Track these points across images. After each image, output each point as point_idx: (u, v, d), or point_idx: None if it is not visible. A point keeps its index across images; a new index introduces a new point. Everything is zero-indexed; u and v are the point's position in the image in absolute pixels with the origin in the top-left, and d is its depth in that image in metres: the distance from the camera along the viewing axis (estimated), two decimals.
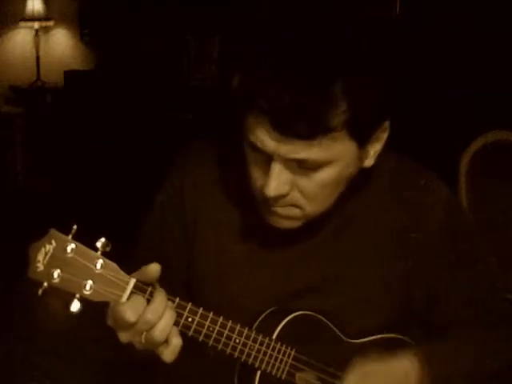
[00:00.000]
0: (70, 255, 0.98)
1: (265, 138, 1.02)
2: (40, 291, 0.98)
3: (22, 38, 5.70)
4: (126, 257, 1.15)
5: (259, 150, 1.04)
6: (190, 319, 1.05)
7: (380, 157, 1.13)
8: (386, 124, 1.09)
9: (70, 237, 0.99)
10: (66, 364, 3.00)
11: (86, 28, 5.85)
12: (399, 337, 1.21)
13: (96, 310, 1.05)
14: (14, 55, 5.67)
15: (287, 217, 1.10)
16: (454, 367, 1.17)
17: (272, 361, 1.12)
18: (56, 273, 0.97)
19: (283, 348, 1.13)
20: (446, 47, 3.77)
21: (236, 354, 1.10)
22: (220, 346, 1.08)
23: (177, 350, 1.02)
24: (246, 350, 1.10)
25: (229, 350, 1.09)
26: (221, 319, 1.07)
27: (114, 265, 1.00)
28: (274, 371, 1.13)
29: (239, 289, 1.20)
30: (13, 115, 5.35)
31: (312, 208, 1.09)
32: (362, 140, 1.05)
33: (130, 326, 0.99)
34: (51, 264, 0.98)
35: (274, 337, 1.13)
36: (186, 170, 1.24)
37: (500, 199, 2.34)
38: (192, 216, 1.23)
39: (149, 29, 5.21)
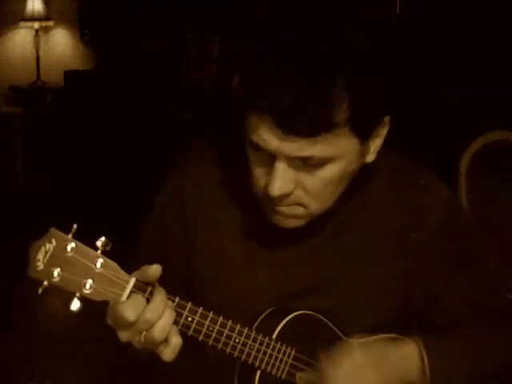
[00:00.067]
0: (70, 254, 0.98)
1: (268, 137, 1.02)
2: (40, 290, 0.98)
3: (21, 38, 5.70)
4: (126, 257, 1.15)
5: (262, 149, 1.04)
6: (189, 319, 1.05)
7: (380, 157, 1.13)
8: (386, 119, 1.10)
9: (70, 236, 0.99)
10: (66, 364, 3.00)
11: (86, 28, 5.85)
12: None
13: (96, 309, 1.05)
14: (14, 55, 5.68)
15: (291, 216, 1.10)
16: (454, 367, 1.17)
17: (272, 360, 1.12)
18: (56, 272, 0.97)
19: (283, 348, 1.13)
20: (446, 47, 3.77)
21: (236, 354, 1.10)
22: (220, 346, 1.08)
23: (177, 349, 1.02)
24: (246, 350, 1.10)
25: (229, 350, 1.09)
26: (221, 319, 1.07)
27: (114, 264, 1.00)
28: (274, 371, 1.13)
29: (239, 289, 1.20)
30: (13, 115, 5.35)
31: (316, 206, 1.09)
32: (364, 136, 1.06)
33: (130, 325, 1.00)
34: (51, 263, 0.98)
35: (274, 336, 1.13)
36: (186, 170, 1.24)
37: (500, 199, 2.34)
38: (192, 216, 1.23)
39: (149, 29, 5.21)
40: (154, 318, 0.99)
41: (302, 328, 1.15)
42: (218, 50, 5.13)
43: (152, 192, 1.29)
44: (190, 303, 1.05)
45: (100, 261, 0.99)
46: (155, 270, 1.01)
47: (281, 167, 1.04)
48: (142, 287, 1.01)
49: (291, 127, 0.99)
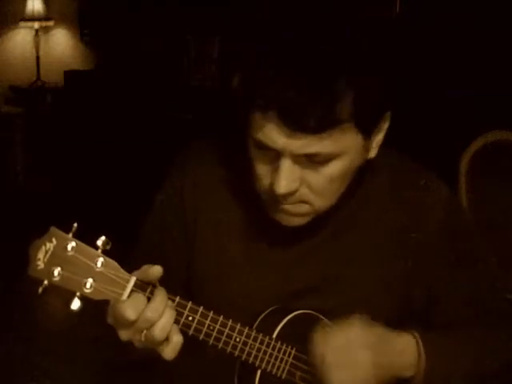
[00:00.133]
0: (70, 253, 0.98)
1: (274, 135, 1.02)
2: (40, 289, 0.98)
3: (21, 38, 5.70)
4: (126, 256, 1.15)
5: (267, 147, 1.04)
6: (190, 318, 1.05)
7: (380, 156, 1.14)
8: (387, 114, 1.10)
9: (70, 235, 0.98)
10: (66, 364, 3.00)
11: (86, 28, 5.85)
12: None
13: (96, 309, 1.05)
14: (14, 55, 5.68)
15: (296, 214, 1.10)
16: (454, 366, 1.16)
17: (272, 360, 1.12)
18: (56, 271, 0.97)
19: (284, 347, 1.13)
20: (446, 47, 3.78)
21: (236, 353, 1.10)
22: (220, 345, 1.08)
23: (177, 348, 1.02)
24: (247, 349, 1.10)
25: (229, 349, 1.09)
26: (221, 318, 1.07)
27: (114, 263, 1.00)
28: (275, 370, 1.13)
29: (239, 289, 1.20)
30: (13, 115, 5.35)
31: (321, 203, 1.09)
32: (367, 131, 1.06)
33: (130, 324, 1.00)
34: (52, 262, 0.98)
35: (275, 336, 1.13)
36: (186, 170, 1.24)
37: (500, 199, 2.34)
38: (192, 216, 1.23)
39: (149, 29, 5.21)
40: (155, 317, 0.99)
41: (302, 327, 1.15)
42: (218, 49, 5.13)
43: (152, 192, 1.29)
44: (190, 302, 1.05)
45: (100, 260, 0.98)
46: (156, 270, 1.01)
47: (286, 165, 1.04)
48: (142, 286, 1.01)
49: (298, 124, 0.99)
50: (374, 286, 1.19)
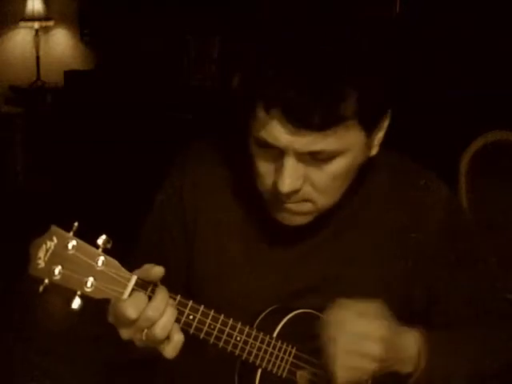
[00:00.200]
0: (71, 252, 0.98)
1: (278, 133, 1.01)
2: (41, 288, 0.97)
3: (22, 37, 5.70)
4: (126, 256, 1.15)
5: (271, 146, 1.04)
6: (191, 317, 1.05)
7: (380, 156, 1.14)
8: (388, 113, 1.10)
9: (71, 234, 0.98)
10: (66, 364, 3.00)
11: (86, 28, 5.85)
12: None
13: (96, 308, 1.05)
14: (14, 55, 5.68)
15: (299, 212, 1.10)
16: (454, 366, 1.16)
17: (273, 359, 1.12)
18: (57, 270, 0.97)
19: (284, 346, 1.13)
20: (446, 47, 3.78)
21: (237, 352, 1.10)
22: (221, 344, 1.08)
23: (179, 346, 1.02)
24: (247, 348, 1.10)
25: (230, 348, 1.09)
26: (222, 317, 1.07)
27: (115, 262, 0.99)
28: (275, 369, 1.13)
29: (239, 289, 1.20)
30: (13, 115, 5.35)
31: (324, 201, 1.09)
32: (370, 128, 1.06)
33: (131, 323, 1.00)
34: (52, 261, 0.98)
35: (275, 335, 1.13)
36: (186, 170, 1.24)
37: (500, 199, 2.34)
38: (192, 216, 1.23)
39: (149, 29, 5.21)
40: (156, 315, 0.99)
41: (302, 326, 1.15)
42: (218, 49, 5.13)
43: (152, 192, 1.29)
44: (191, 301, 1.05)
45: (101, 259, 0.98)
46: (159, 271, 1.00)
47: (290, 163, 1.04)
48: (143, 285, 1.01)
49: (302, 121, 0.99)
50: (374, 285, 1.19)
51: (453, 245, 1.22)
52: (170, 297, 1.02)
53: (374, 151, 1.12)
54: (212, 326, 1.06)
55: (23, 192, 5.21)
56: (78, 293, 0.98)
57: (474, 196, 2.35)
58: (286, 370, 1.14)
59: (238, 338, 1.09)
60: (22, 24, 5.59)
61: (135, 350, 1.05)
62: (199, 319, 1.05)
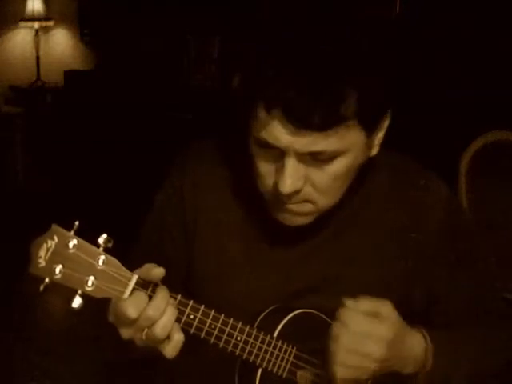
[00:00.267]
0: (71, 251, 0.98)
1: (279, 134, 1.01)
2: (42, 287, 0.97)
3: (21, 38, 5.70)
4: (126, 256, 1.15)
5: (271, 146, 1.04)
6: (191, 316, 1.05)
7: (380, 156, 1.14)
8: (388, 112, 1.10)
9: (72, 232, 0.98)
10: (66, 364, 3.00)
11: (86, 28, 5.85)
12: None
13: (96, 308, 1.05)
14: (14, 55, 5.68)
15: (299, 213, 1.10)
16: (455, 366, 1.16)
17: (273, 359, 1.12)
18: (58, 269, 0.97)
19: (284, 346, 1.13)
20: (446, 47, 3.77)
21: (237, 352, 1.10)
22: (221, 344, 1.08)
23: (179, 346, 1.02)
24: (248, 348, 1.10)
25: (230, 348, 1.09)
26: (222, 317, 1.07)
27: (115, 261, 0.99)
28: (275, 369, 1.13)
29: (239, 289, 1.20)
30: (13, 115, 5.35)
31: (324, 201, 1.09)
32: (370, 128, 1.06)
33: (132, 322, 1.00)
34: (53, 260, 0.98)
35: (275, 335, 1.13)
36: (186, 170, 1.24)
37: (500, 199, 2.35)
38: (192, 216, 1.23)
39: (149, 29, 5.21)
40: (156, 315, 0.99)
41: (303, 326, 1.15)
42: (218, 49, 5.13)
43: (152, 192, 1.29)
44: (191, 301, 1.05)
45: (102, 258, 0.98)
46: (159, 272, 1.00)
47: (291, 163, 1.04)
48: (144, 284, 1.01)
49: (303, 121, 0.99)
50: (374, 285, 1.19)
51: (453, 245, 1.22)
52: (171, 296, 1.02)
53: (375, 151, 1.12)
54: (213, 326, 1.06)
55: (23, 192, 5.21)
56: (79, 292, 0.98)
57: (474, 196, 2.35)
58: (286, 370, 1.14)
59: (239, 338, 1.09)
60: (22, 24, 5.59)
61: (135, 349, 1.05)
62: (200, 319, 1.05)
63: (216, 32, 5.05)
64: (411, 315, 1.22)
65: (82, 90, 5.36)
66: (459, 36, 3.69)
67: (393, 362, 1.08)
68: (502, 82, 3.57)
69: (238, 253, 1.21)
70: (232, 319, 1.08)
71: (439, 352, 1.13)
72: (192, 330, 1.05)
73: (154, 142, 4.63)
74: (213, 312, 1.06)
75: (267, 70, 1.00)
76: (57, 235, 0.98)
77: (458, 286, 1.22)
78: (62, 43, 5.89)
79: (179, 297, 1.04)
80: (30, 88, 5.59)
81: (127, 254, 1.22)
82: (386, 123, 1.11)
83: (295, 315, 1.15)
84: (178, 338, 1.02)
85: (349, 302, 1.05)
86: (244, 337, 1.09)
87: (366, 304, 1.05)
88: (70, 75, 5.53)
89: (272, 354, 1.12)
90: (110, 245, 0.99)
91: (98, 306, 1.03)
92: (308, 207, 1.09)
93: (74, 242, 0.98)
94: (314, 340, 1.15)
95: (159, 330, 1.00)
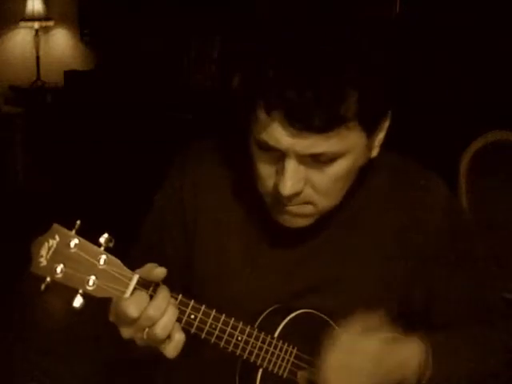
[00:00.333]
0: (73, 250, 0.98)
1: (279, 136, 1.01)
2: (43, 286, 0.97)
3: (21, 38, 5.70)
4: (126, 256, 1.15)
5: (272, 148, 1.03)
6: (192, 316, 1.05)
7: (380, 156, 1.14)
8: (389, 113, 1.10)
9: (73, 232, 0.99)
10: (66, 364, 3.00)
11: (86, 28, 5.85)
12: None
13: (96, 307, 1.05)
14: (14, 55, 5.68)
15: (300, 215, 1.10)
16: (455, 368, 1.17)
17: (274, 359, 1.12)
18: (59, 268, 0.97)
19: (285, 346, 1.13)
20: (446, 47, 3.77)
21: (238, 352, 1.10)
22: (222, 344, 1.08)
23: (180, 346, 1.02)
24: (248, 348, 1.10)
25: (231, 348, 1.09)
26: (223, 317, 1.07)
27: (117, 261, 0.99)
28: (276, 369, 1.13)
29: (239, 289, 1.20)
30: (13, 115, 5.35)
31: (325, 203, 1.09)
32: (371, 129, 1.06)
33: (133, 322, 1.00)
34: (54, 259, 0.98)
35: (276, 335, 1.13)
36: (186, 170, 1.24)
37: (500, 199, 2.35)
38: (192, 216, 1.23)
39: (149, 29, 5.21)
40: (157, 315, 0.99)
41: (303, 327, 1.15)
42: (218, 49, 5.13)
43: (152, 192, 1.29)
44: (192, 301, 1.05)
45: (103, 257, 0.98)
46: (160, 272, 1.00)
47: (291, 165, 1.03)
48: (145, 284, 1.00)
49: (304, 123, 0.98)
50: (374, 285, 1.19)
51: (452, 245, 1.22)
52: (172, 296, 1.02)
53: (375, 152, 1.12)
54: (213, 326, 1.06)
55: (23, 192, 5.21)
56: (80, 291, 0.98)
57: (474, 196, 2.35)
58: (286, 370, 1.14)
59: (239, 338, 1.09)
60: (22, 24, 5.59)
61: (136, 349, 1.05)
62: (200, 319, 1.05)
63: (216, 32, 5.05)
64: (411, 315, 1.22)
65: (82, 90, 5.36)
66: (459, 36, 3.69)
67: (385, 375, 1.09)
68: (502, 83, 3.57)
69: (238, 253, 1.21)
70: (233, 319, 1.08)
71: (438, 358, 1.14)
72: (193, 330, 1.05)
73: (154, 142, 4.63)
74: (214, 312, 1.06)
75: (267, 70, 0.99)
76: (58, 234, 0.98)
77: (458, 286, 1.22)
78: (61, 43, 5.89)
79: (180, 296, 1.04)
80: (30, 88, 5.59)
81: (128, 253, 1.22)
82: (386, 124, 1.11)
83: (296, 315, 1.15)
84: (179, 337, 1.02)
85: (344, 325, 1.09)
86: (245, 337, 1.09)
87: (358, 322, 1.09)
88: (70, 75, 5.53)
89: (273, 354, 1.12)
90: (111, 244, 0.99)
91: (98, 305, 1.03)
92: (308, 209, 1.09)
93: (75, 241, 0.98)
94: (314, 340, 1.15)
95: (160, 329, 1.00)
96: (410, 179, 1.22)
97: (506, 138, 2.33)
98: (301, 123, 0.98)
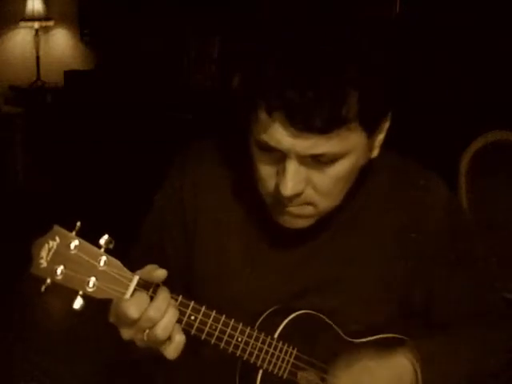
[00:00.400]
0: (73, 252, 0.98)
1: (280, 136, 1.01)
2: (43, 288, 0.98)
3: (21, 38, 5.70)
4: (126, 257, 1.15)
5: (273, 149, 1.03)
6: (192, 317, 1.05)
7: (380, 156, 1.14)
8: (389, 114, 1.10)
9: (73, 233, 0.99)
10: (66, 364, 3.00)
11: (86, 28, 5.86)
12: (399, 337, 1.21)
13: (97, 308, 1.05)
14: (14, 55, 5.68)
15: (300, 215, 1.10)
16: (454, 367, 1.17)
17: (274, 360, 1.12)
18: (59, 269, 0.97)
19: (285, 347, 1.13)
20: (446, 47, 3.77)
21: (238, 353, 1.09)
22: (222, 345, 1.08)
23: (180, 347, 1.02)
24: (248, 349, 1.10)
25: (231, 349, 1.09)
26: (223, 318, 1.07)
27: (117, 262, 0.99)
28: (276, 370, 1.13)
29: (239, 289, 1.20)
30: (13, 115, 5.35)
31: (325, 204, 1.09)
32: (371, 129, 1.06)
33: (133, 323, 1.00)
34: (54, 260, 0.98)
35: (276, 336, 1.13)
36: (186, 170, 1.24)
37: (500, 199, 2.35)
38: (192, 216, 1.23)
39: (149, 29, 5.21)
40: (157, 316, 0.99)
41: (303, 327, 1.15)
42: (218, 49, 5.13)
43: (152, 192, 1.29)
44: (192, 302, 1.05)
45: (103, 259, 0.98)
46: (161, 273, 1.00)
47: (292, 166, 1.03)
48: (145, 285, 1.00)
49: (305, 124, 0.98)
50: (374, 286, 1.19)
51: (453, 245, 1.22)
52: (172, 297, 1.02)
53: (375, 153, 1.12)
54: (213, 327, 1.06)
55: (23, 192, 5.21)
56: (80, 293, 0.98)
57: (474, 196, 2.35)
58: (286, 371, 1.14)
59: (239, 339, 1.09)
60: (22, 24, 5.60)
61: (136, 350, 1.05)
62: (201, 320, 1.05)
63: (216, 32, 5.05)
64: (411, 315, 1.22)
65: (82, 90, 5.37)
66: (459, 36, 3.69)
67: None
68: (502, 82, 3.57)
69: (238, 253, 1.21)
70: (233, 320, 1.08)
71: (434, 361, 1.14)
72: (193, 331, 1.05)
73: (154, 142, 4.63)
74: (214, 313, 1.06)
75: (267, 70, 0.99)
76: (58, 236, 0.98)
77: (458, 286, 1.22)
78: (61, 43, 5.90)
79: (180, 298, 1.04)
80: (30, 88, 5.59)
81: (127, 254, 1.22)
82: (386, 125, 1.11)
83: (296, 316, 1.15)
84: (179, 339, 1.02)
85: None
86: (245, 338, 1.09)
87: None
88: (70, 75, 5.53)
89: (273, 355, 1.12)
90: (111, 246, 0.99)
91: (98, 306, 1.03)
92: (309, 210, 1.09)
93: (75, 242, 0.98)
94: (315, 341, 1.15)
95: (160, 331, 1.00)
96: (410, 179, 1.22)
97: (506, 137, 2.33)
98: (302, 124, 0.98)
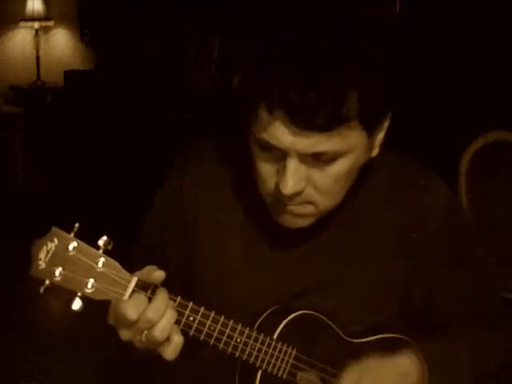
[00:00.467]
0: (72, 253, 0.98)
1: (281, 135, 1.01)
2: (42, 289, 0.98)
3: (21, 38, 5.70)
4: (126, 256, 1.15)
5: (273, 147, 1.03)
6: (191, 318, 1.05)
7: (380, 156, 1.14)
8: (389, 113, 1.10)
9: (72, 235, 0.99)
10: (66, 364, 3.00)
11: (86, 28, 5.86)
12: (399, 337, 1.21)
13: (96, 309, 1.05)
14: (14, 55, 5.68)
15: (300, 215, 1.10)
16: (454, 367, 1.17)
17: (273, 360, 1.12)
18: (58, 271, 0.97)
19: (284, 347, 1.13)
20: (446, 47, 3.77)
21: (237, 354, 1.09)
22: (221, 346, 1.08)
23: (178, 348, 1.02)
24: (248, 350, 1.10)
25: (230, 350, 1.09)
26: (222, 318, 1.07)
27: (115, 263, 0.99)
28: (275, 371, 1.13)
29: (239, 289, 1.20)
30: (13, 115, 5.35)
31: (326, 203, 1.09)
32: (372, 128, 1.06)
33: (131, 324, 0.99)
34: (53, 262, 0.98)
35: (275, 336, 1.13)
36: (186, 170, 1.24)
37: (500, 199, 2.35)
38: (192, 216, 1.23)
39: (149, 29, 5.21)
40: (156, 317, 0.99)
41: (303, 328, 1.15)
42: (218, 49, 5.13)
43: (152, 192, 1.29)
44: (191, 303, 1.05)
45: (102, 260, 0.98)
46: (159, 275, 1.00)
47: (293, 165, 1.03)
48: (144, 286, 1.00)
49: (307, 122, 0.98)
50: (374, 285, 1.19)
51: (453, 245, 1.22)
52: (170, 298, 1.02)
53: (375, 152, 1.12)
54: (212, 328, 1.06)
55: (23, 192, 5.21)
56: (79, 294, 0.98)
57: (474, 196, 2.35)
58: (286, 372, 1.14)
59: (239, 340, 1.09)
60: (22, 24, 5.60)
61: (135, 351, 1.05)
62: (199, 321, 1.05)
63: (216, 32, 5.05)
64: (411, 315, 1.22)
65: (82, 90, 5.37)
66: (459, 36, 3.69)
67: None
68: (502, 83, 3.57)
69: (238, 253, 1.21)
70: (232, 321, 1.08)
71: (436, 360, 1.14)
72: (191, 332, 1.05)
73: (154, 142, 4.63)
74: (212, 314, 1.06)
75: (268, 70, 0.99)
76: (57, 237, 0.98)
77: (458, 286, 1.22)
78: (61, 43, 5.90)
79: (179, 299, 1.04)
80: (30, 88, 5.59)
81: (127, 254, 1.22)
82: (386, 124, 1.11)
83: (295, 316, 1.15)
84: (178, 340, 1.02)
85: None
86: (244, 338, 1.09)
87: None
88: (70, 75, 5.54)
89: (272, 355, 1.12)
90: (109, 247, 0.99)
91: (97, 306, 1.03)
92: (309, 209, 1.09)
93: (73, 244, 0.98)
94: (314, 341, 1.15)
95: (159, 332, 1.00)
96: (409, 179, 1.22)
97: (506, 138, 2.33)
98: (303, 122, 0.98)
